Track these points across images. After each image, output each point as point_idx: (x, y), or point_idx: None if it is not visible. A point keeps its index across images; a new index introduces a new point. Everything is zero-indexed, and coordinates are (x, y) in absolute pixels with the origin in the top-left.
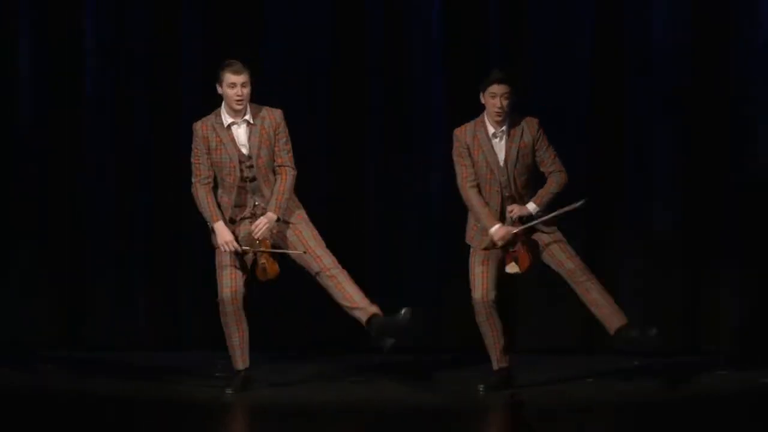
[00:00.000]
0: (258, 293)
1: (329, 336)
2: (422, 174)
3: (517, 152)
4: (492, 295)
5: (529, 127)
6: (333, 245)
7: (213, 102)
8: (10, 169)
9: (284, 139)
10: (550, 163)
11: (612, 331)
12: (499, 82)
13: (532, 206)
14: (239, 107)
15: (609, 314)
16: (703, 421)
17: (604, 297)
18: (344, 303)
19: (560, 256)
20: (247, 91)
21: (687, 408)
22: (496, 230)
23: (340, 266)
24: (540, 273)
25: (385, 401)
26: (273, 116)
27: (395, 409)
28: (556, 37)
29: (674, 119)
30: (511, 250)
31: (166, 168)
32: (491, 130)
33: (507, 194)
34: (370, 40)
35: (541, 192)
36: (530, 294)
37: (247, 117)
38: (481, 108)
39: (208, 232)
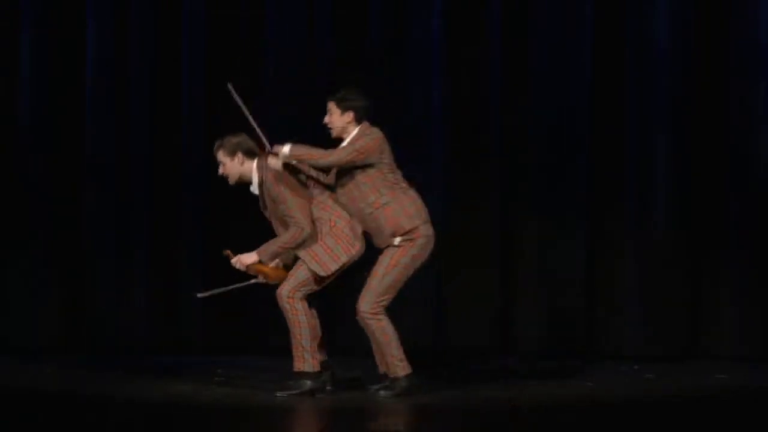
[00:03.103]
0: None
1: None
2: (422, 175)
3: None
4: None
5: None
6: None
7: (215, 98)
8: (10, 171)
9: None
10: None
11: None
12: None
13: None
14: None
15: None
16: (701, 425)
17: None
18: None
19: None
20: None
21: (685, 412)
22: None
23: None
24: (539, 276)
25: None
26: None
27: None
28: (557, 41)
29: (674, 121)
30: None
31: (166, 168)
32: None
33: None
34: (370, 43)
35: None
36: (528, 297)
37: None
38: None
39: (211, 234)
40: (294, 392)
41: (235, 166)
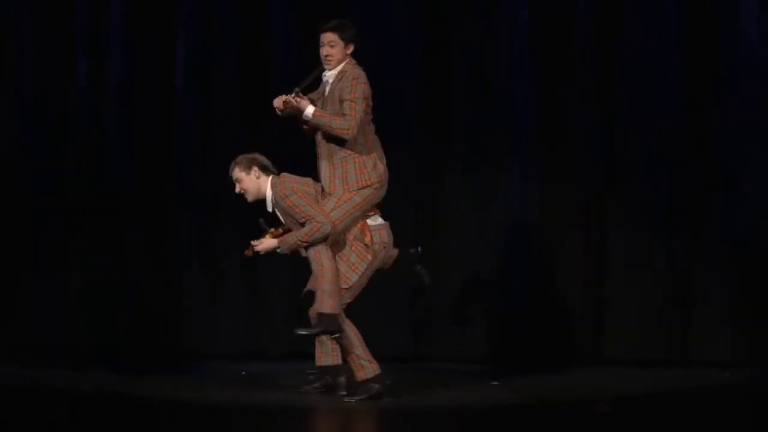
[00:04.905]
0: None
1: None
2: (505, 183)
3: None
4: None
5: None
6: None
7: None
8: (102, 176)
9: None
10: None
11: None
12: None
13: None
14: None
15: None
16: None
17: None
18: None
19: None
20: None
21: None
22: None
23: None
24: (627, 278)
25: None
26: None
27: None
28: (646, 46)
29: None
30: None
31: None
32: None
33: None
34: (457, 56)
35: None
36: (621, 301)
37: None
38: None
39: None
40: (362, 397)
41: (252, 180)
